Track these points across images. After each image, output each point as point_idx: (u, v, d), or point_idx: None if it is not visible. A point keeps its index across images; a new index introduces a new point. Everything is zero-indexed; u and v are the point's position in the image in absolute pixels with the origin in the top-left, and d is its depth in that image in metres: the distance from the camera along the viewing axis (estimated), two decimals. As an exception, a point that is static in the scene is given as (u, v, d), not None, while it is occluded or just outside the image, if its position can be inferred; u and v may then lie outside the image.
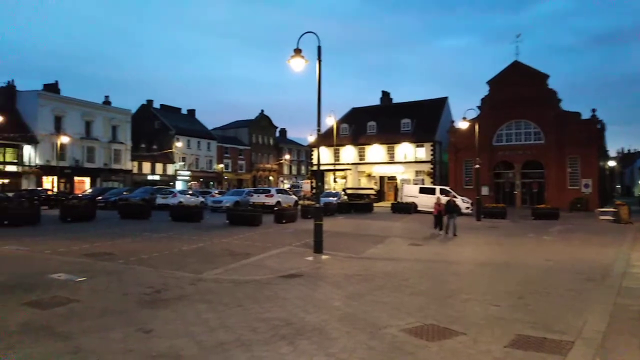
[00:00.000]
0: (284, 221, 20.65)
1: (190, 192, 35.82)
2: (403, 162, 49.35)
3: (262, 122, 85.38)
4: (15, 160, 44.90)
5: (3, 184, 42.23)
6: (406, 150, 49.45)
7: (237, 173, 77.20)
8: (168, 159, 64.08)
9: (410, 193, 32.51)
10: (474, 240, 15.94)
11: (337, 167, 51.80)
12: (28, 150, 45.90)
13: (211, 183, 69.77)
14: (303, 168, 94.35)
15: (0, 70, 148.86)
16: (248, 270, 9.58)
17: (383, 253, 12.72)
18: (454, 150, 43.41)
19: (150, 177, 59.96)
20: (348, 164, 52.92)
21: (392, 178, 50.48)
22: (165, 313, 6.20)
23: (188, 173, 66.95)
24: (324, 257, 11.60)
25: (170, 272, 9.04)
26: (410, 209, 30.26)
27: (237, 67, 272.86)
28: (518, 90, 39.06)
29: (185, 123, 70.61)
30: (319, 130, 13.02)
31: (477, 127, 28.85)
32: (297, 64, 12.46)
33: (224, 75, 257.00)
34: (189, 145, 67.91)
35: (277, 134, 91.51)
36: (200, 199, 32.25)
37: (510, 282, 8.94)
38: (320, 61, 12.47)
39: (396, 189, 48.01)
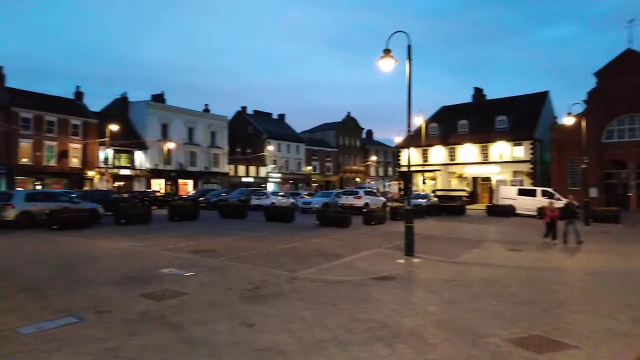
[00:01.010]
0: (372, 223, 20.60)
1: (281, 193, 37.16)
2: (498, 162, 46.68)
3: (349, 124, 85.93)
4: (129, 165, 49.99)
5: (119, 186, 47.20)
6: (502, 149, 46.73)
7: (324, 175, 78.53)
8: (260, 161, 67.11)
9: (508, 195, 30.63)
10: (583, 247, 14.57)
11: (426, 168, 50.47)
12: (139, 156, 50.85)
13: (300, 185, 71.75)
14: (390, 169, 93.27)
15: (115, 83, 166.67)
16: (340, 271, 9.70)
17: (479, 258, 12.14)
18: (557, 148, 40.15)
19: (244, 179, 63.23)
20: (437, 164, 51.33)
21: (486, 179, 48.00)
22: (265, 309, 6.50)
23: (279, 175, 69.52)
24: (415, 260, 11.36)
25: (268, 270, 9.46)
26: (507, 212, 28.54)
27: (324, 70, 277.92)
28: (632, 82, 35.03)
29: (276, 127, 73.46)
30: (409, 132, 12.79)
31: (583, 122, 26.42)
32: (387, 65, 12.36)
33: (311, 79, 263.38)
34: (280, 149, 70.48)
35: (364, 136, 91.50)
36: (291, 200, 33.30)
37: (629, 293, 8.05)
38: (410, 60, 12.26)
39: (491, 191, 45.52)
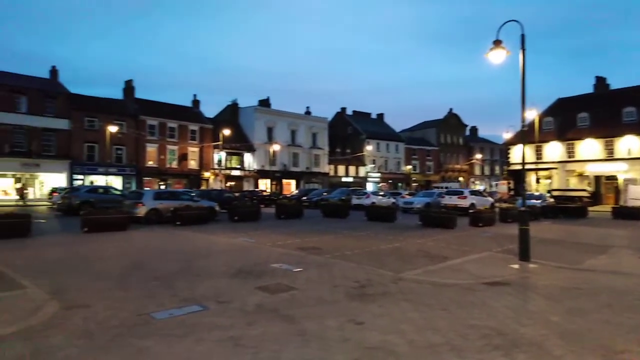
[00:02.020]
0: (480, 224, 19.57)
1: (381, 193, 36.96)
2: (626, 159, 41.52)
3: (451, 121, 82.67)
4: (239, 166, 53.51)
5: (230, 186, 50.74)
6: (630, 144, 41.50)
7: (425, 174, 76.49)
8: (360, 161, 67.46)
9: (638, 195, 27.08)
10: None
11: (540, 165, 46.60)
12: (248, 157, 54.19)
13: (399, 184, 70.73)
14: (497, 168, 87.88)
15: (227, 91, 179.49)
16: (447, 274, 9.37)
17: (607, 265, 10.89)
18: None
19: (344, 179, 64.10)
20: (553, 162, 47.14)
21: (611, 177, 42.95)
22: (372, 308, 6.53)
23: (378, 175, 69.29)
24: (531, 265, 10.56)
25: (372, 269, 9.48)
26: (637, 214, 25.25)
27: (423, 67, 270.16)
28: None
29: (374, 127, 73.32)
30: (524, 127, 11.92)
31: None
32: (497, 57, 11.65)
33: (410, 77, 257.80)
34: (379, 148, 70.22)
35: (467, 133, 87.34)
36: (392, 200, 32.97)
37: None
38: (524, 51, 11.42)
39: (617, 191, 40.63)
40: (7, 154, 37.07)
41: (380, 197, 33.15)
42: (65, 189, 30.07)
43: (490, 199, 30.88)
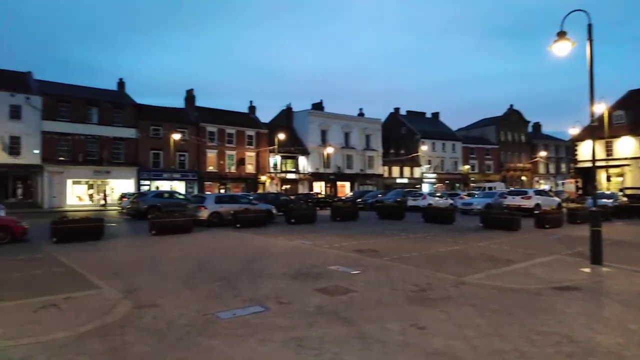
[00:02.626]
0: (546, 226, 18.58)
1: (438, 194, 36.09)
2: None
3: (512, 118, 79.21)
4: (294, 169, 54.33)
5: (286, 189, 51.61)
6: None
7: (484, 174, 73.76)
8: (414, 162, 66.27)
9: None
10: None
11: (611, 162, 43.53)
12: (302, 161, 54.88)
13: (457, 185, 68.70)
14: (563, 166, 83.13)
15: (280, 95, 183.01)
16: (512, 278, 8.98)
17: (694, 270, 9.97)
18: None
19: (399, 180, 63.23)
20: (625, 158, 43.85)
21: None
22: (434, 312, 6.39)
23: (434, 175, 67.72)
24: (604, 269, 9.88)
25: (432, 273, 9.28)
26: None
27: (479, 63, 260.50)
28: None
29: (429, 126, 71.76)
30: (593, 121, 11.22)
31: None
32: (562, 49, 11.03)
33: (466, 74, 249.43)
34: (434, 148, 68.65)
35: (530, 130, 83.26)
36: (449, 201, 32.11)
37: None
38: (591, 42, 10.73)
39: (703, 188, 37.04)
40: (81, 162, 39.96)
41: (437, 199, 32.37)
42: (133, 194, 31.96)
43: (557, 199, 29.26)
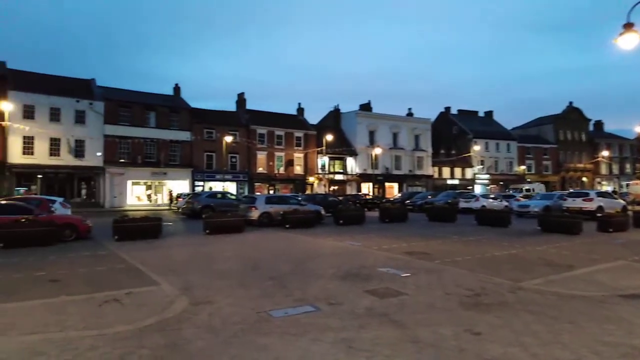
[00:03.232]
0: (610, 230, 17.48)
1: (492, 195, 34.87)
2: None
3: (571, 116, 75.17)
4: (341, 170, 54.39)
5: (334, 190, 51.76)
6: None
7: (541, 175, 70.48)
8: (466, 163, 64.41)
9: None
10: None
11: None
12: (350, 162, 54.84)
13: (512, 186, 66.05)
14: (628, 166, 77.92)
15: (328, 96, 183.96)
16: (574, 284, 8.51)
17: None
18: None
19: (449, 182, 61.70)
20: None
21: None
22: (489, 318, 6.18)
23: (487, 176, 65.50)
24: (679, 277, 9.15)
25: (486, 277, 8.97)
26: None
27: (535, 59, 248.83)
28: None
29: (482, 126, 69.51)
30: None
31: None
32: (629, 41, 10.30)
33: (521, 70, 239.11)
34: (487, 148, 66.42)
35: (591, 128, 78.64)
36: (504, 203, 30.94)
37: None
38: (663, 32, 9.96)
39: None
40: (139, 164, 42.03)
41: (491, 200, 31.26)
42: (188, 194, 33.23)
43: (622, 202, 27.43)
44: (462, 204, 30.97)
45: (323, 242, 14.95)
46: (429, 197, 36.30)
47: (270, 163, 49.71)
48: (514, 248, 13.27)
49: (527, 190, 48.55)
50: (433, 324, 5.86)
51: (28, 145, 36.60)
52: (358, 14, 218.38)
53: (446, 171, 63.22)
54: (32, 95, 36.74)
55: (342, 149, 53.64)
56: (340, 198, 35.29)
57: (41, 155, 37.10)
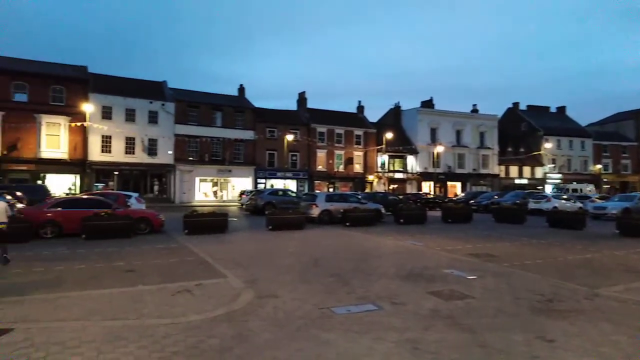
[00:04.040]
0: None
1: (564, 196, 32.79)
2: None
3: (657, 111, 68.74)
4: (401, 169, 53.55)
5: (393, 188, 51.10)
6: None
7: (619, 174, 65.24)
8: (536, 161, 61.04)
9: None
10: None
11: None
12: (410, 160, 53.86)
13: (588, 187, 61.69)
14: None
15: (388, 93, 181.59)
16: (661, 294, 7.83)
17: None
18: None
19: (517, 181, 58.79)
20: None
21: None
22: (563, 325, 5.84)
23: (559, 175, 61.68)
24: None
25: (559, 282, 8.48)
26: None
27: (614, 51, 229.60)
28: None
29: (554, 122, 65.47)
30: None
31: None
32: None
33: (597, 63, 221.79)
34: (559, 146, 62.51)
35: (681, 123, 71.44)
36: (578, 204, 29.00)
37: None
38: None
39: None
40: (207, 162, 43.90)
41: (563, 201, 29.41)
42: (251, 191, 34.25)
43: None
44: (532, 205, 29.37)
45: (384, 240, 14.84)
46: (495, 197, 34.78)
47: (330, 161, 49.99)
48: (589, 252, 12.42)
49: (574, 190, 45.72)
50: (502, 329, 5.65)
51: (106, 144, 39.40)
52: (417, 7, 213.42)
53: (514, 170, 60.25)
54: (110, 97, 39.48)
55: (403, 147, 52.80)
56: (401, 197, 34.77)
57: (118, 153, 39.79)
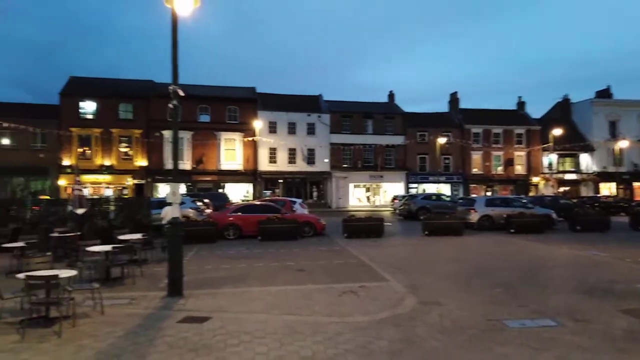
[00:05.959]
0: None
1: None
2: None
3: None
4: (573, 169, 47.46)
5: (564, 191, 45.55)
6: None
7: None
8: None
9: None
10: None
11: None
12: (585, 159, 47.41)
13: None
14: None
15: (554, 86, 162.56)
16: None
17: None
18: None
19: None
20: None
21: None
22: None
23: None
24: None
25: None
26: None
27: None
28: None
29: None
30: None
31: None
32: None
33: None
34: None
35: None
36: None
37: None
38: None
39: None
40: (359, 168, 45.27)
41: None
42: (404, 196, 34.15)
43: None
44: None
45: (556, 250, 13.37)
46: None
47: (487, 163, 46.89)
48: None
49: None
50: None
51: (272, 155, 43.61)
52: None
53: None
54: (275, 113, 43.71)
55: (574, 144, 46.64)
56: (574, 200, 30.82)
57: (282, 163, 43.70)
